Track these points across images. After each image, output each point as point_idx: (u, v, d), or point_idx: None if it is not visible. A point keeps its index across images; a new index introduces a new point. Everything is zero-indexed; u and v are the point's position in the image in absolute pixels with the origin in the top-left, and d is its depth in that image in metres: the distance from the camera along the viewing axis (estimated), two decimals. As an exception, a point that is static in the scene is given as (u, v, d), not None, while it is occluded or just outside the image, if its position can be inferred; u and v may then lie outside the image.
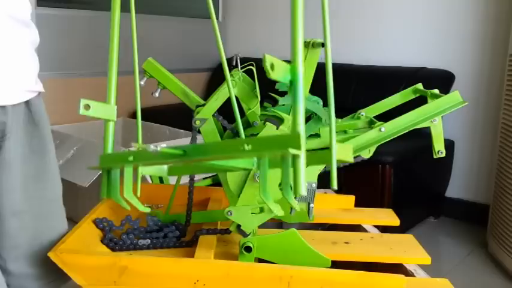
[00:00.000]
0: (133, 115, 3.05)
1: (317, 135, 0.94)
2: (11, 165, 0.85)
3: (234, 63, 0.96)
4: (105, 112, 0.70)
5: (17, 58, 0.82)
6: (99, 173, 1.93)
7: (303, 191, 0.50)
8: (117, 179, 0.72)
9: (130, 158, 0.62)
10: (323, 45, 0.88)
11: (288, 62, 0.49)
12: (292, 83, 0.50)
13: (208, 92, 3.44)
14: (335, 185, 0.59)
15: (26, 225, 0.86)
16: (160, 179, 1.19)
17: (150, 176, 1.18)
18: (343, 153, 0.64)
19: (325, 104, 0.97)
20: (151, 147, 0.55)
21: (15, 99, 0.84)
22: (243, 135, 0.69)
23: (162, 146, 0.55)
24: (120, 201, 0.70)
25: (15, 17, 0.81)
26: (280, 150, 0.49)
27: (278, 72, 0.49)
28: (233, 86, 0.91)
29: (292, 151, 0.48)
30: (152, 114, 2.83)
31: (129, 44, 0.78)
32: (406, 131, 0.93)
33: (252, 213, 0.80)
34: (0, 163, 0.84)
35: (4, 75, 0.81)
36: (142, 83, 0.97)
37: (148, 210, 0.74)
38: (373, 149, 0.91)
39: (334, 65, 3.09)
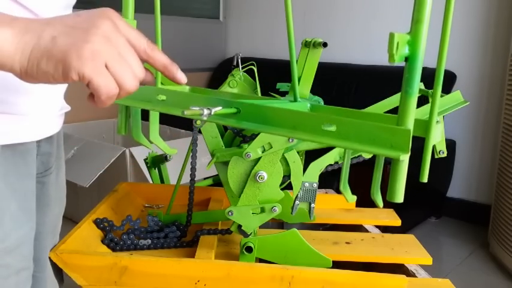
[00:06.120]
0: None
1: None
2: (53, 201, 0.75)
3: (235, 62, 0.96)
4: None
5: None
6: (99, 173, 1.93)
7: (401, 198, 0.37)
8: (138, 119, 0.70)
9: (162, 97, 0.56)
10: (324, 45, 0.87)
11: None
12: (410, 57, 0.32)
13: (209, 92, 3.44)
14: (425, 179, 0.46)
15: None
16: (161, 179, 1.19)
17: (151, 176, 1.18)
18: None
19: (326, 104, 0.97)
20: (205, 111, 0.48)
21: (59, 125, 0.70)
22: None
23: (216, 109, 0.48)
24: (143, 140, 0.70)
25: None
26: (382, 149, 0.33)
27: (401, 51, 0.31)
28: (234, 85, 0.91)
29: (402, 156, 0.33)
30: (153, 114, 2.82)
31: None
32: (408, 130, 0.93)
33: (253, 213, 0.79)
34: (43, 200, 0.71)
35: (56, 99, 0.66)
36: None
37: (175, 151, 0.73)
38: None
39: (335, 64, 3.07)
